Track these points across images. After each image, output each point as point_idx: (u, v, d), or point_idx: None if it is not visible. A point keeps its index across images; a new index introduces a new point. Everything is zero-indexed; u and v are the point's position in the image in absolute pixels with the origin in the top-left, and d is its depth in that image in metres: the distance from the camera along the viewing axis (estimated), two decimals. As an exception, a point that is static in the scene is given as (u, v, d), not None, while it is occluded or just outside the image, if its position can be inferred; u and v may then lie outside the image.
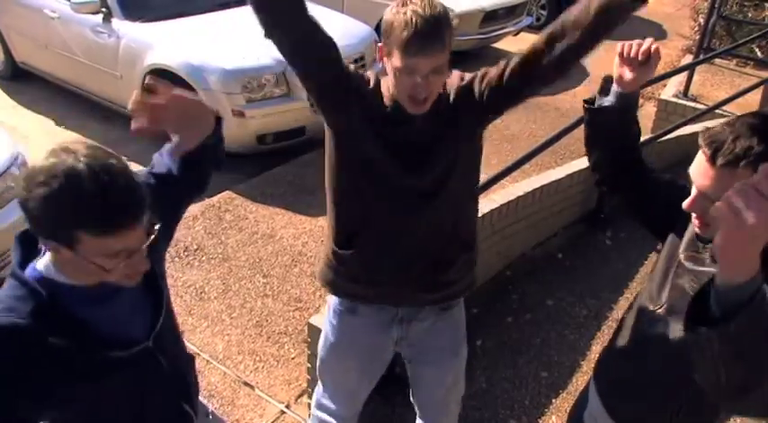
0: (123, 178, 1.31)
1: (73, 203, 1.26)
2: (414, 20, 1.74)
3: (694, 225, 1.55)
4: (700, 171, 1.46)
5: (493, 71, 1.99)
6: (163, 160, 1.72)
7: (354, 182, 2.07)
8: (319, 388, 2.52)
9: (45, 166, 1.28)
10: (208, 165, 1.80)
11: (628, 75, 1.78)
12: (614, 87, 1.84)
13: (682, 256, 1.61)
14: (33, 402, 1.41)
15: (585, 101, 1.92)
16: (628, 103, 1.84)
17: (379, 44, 1.89)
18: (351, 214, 2.14)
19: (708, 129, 1.47)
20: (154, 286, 1.62)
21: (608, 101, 1.85)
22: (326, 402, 2.49)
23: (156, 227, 1.41)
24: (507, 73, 1.94)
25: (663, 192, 1.82)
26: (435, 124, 1.99)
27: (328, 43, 1.89)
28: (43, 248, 1.47)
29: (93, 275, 1.40)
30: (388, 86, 1.99)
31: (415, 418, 2.66)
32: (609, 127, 1.90)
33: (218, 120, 1.73)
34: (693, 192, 1.49)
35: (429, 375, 2.41)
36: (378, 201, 2.06)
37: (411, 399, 2.57)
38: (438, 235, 2.13)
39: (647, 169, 1.89)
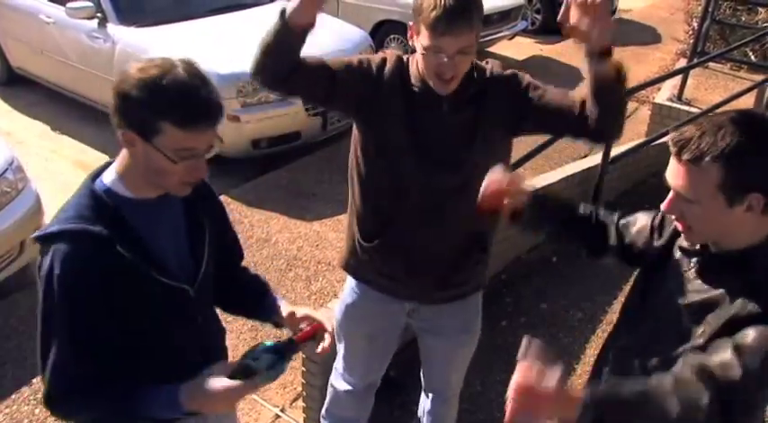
0: (211, 84, 1.48)
1: (168, 91, 1.41)
2: (443, 0, 1.78)
3: (678, 228, 1.56)
4: (671, 171, 1.48)
5: (555, 93, 2.03)
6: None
7: (380, 177, 2.10)
8: (337, 358, 2.56)
9: (142, 62, 1.46)
10: None
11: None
12: None
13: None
14: (105, 313, 1.51)
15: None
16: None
17: (410, 23, 1.93)
18: (377, 208, 2.16)
19: (677, 129, 1.49)
20: (198, 237, 1.70)
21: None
22: (342, 371, 2.54)
23: (215, 144, 1.53)
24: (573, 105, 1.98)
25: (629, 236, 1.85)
26: (463, 110, 2.01)
27: (315, 69, 1.99)
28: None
29: (159, 175, 1.51)
30: (417, 66, 2.02)
31: (412, 420, 2.67)
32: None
33: None
34: (670, 193, 1.50)
35: (438, 349, 2.44)
36: (404, 196, 2.08)
37: (421, 376, 2.61)
38: (459, 233, 2.15)
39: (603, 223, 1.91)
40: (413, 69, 2.03)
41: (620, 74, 1.86)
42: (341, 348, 2.50)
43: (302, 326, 1.76)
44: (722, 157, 1.38)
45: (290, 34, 1.88)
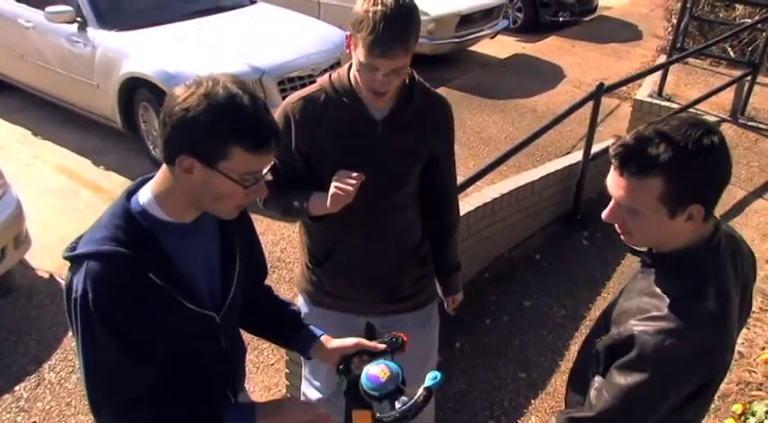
0: (266, 105, 1.45)
1: (237, 118, 1.38)
2: (381, 23, 1.80)
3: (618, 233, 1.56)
4: (613, 182, 1.47)
5: (446, 168, 2.25)
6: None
7: None
8: (304, 366, 2.57)
9: (202, 86, 1.38)
10: None
11: None
12: None
13: None
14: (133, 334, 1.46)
15: None
16: None
17: (347, 33, 1.94)
18: (322, 234, 2.23)
19: (618, 139, 1.47)
20: (230, 262, 1.67)
21: None
22: (310, 378, 2.54)
23: (271, 164, 1.50)
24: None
25: None
26: (398, 131, 2.07)
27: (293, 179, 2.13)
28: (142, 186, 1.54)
29: (216, 201, 1.48)
30: (351, 81, 2.05)
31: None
32: None
33: None
34: (611, 203, 1.49)
35: None
36: (349, 218, 2.10)
37: None
38: (398, 249, 2.23)
39: None
40: (344, 85, 2.05)
41: None
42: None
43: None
44: (664, 170, 1.37)
45: (308, 217, 2.10)
